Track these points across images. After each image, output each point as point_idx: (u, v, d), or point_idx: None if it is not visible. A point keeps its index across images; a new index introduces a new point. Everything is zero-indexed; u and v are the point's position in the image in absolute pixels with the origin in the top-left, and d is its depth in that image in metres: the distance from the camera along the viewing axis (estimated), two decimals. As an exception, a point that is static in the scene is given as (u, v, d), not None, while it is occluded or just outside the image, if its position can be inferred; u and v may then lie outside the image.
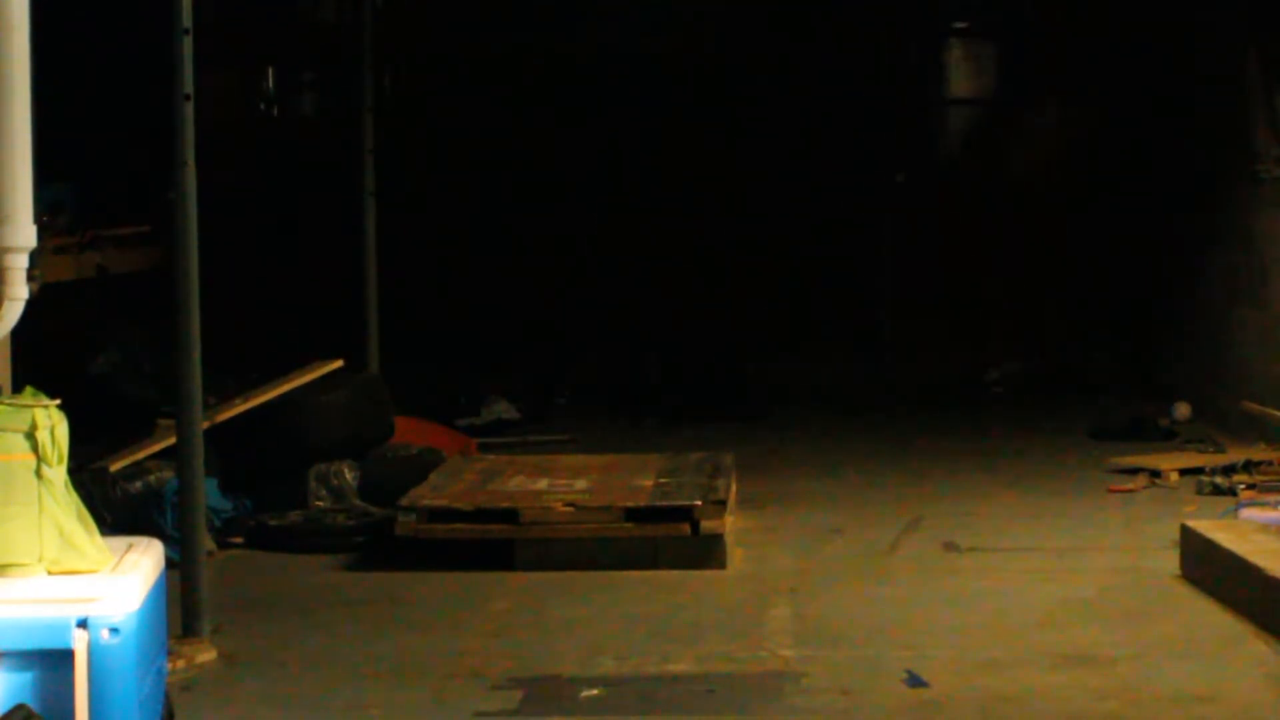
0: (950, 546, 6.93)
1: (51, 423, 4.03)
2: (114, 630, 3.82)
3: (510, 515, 6.65)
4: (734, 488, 7.15)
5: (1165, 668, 5.22)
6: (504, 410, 10.13)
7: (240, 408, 7.52)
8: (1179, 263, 10.65)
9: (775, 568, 6.61)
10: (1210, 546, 6.06)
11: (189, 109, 5.44)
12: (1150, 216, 11.07)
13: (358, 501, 7.39)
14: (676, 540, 6.57)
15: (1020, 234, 12.05)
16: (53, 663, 3.80)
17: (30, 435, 4.00)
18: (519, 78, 11.65)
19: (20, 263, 4.11)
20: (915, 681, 5.11)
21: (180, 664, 5.18)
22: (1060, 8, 11.96)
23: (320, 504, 7.38)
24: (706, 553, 6.57)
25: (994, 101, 12.43)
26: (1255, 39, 9.15)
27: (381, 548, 6.88)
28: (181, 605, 5.43)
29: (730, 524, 6.80)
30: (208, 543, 6.12)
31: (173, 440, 5.94)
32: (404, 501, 6.80)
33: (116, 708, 3.83)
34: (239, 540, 7.09)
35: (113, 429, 7.56)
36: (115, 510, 6.72)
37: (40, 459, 4.01)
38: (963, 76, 12.40)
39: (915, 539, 7.08)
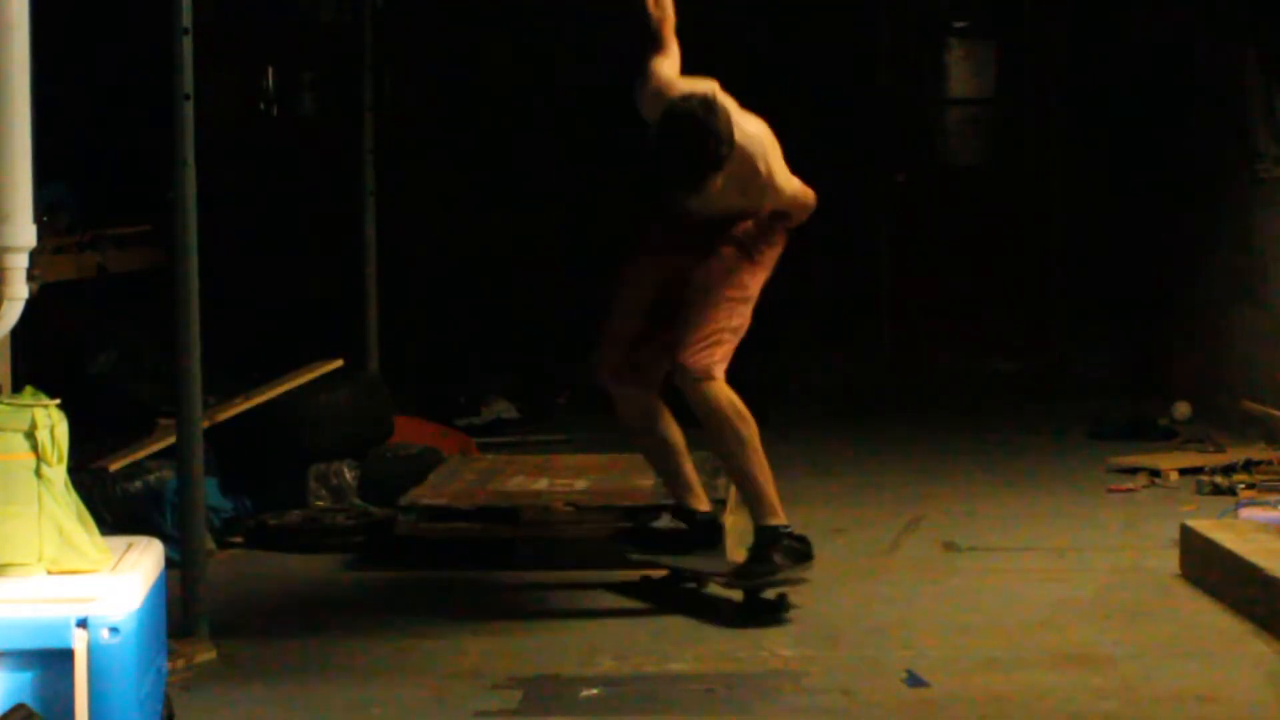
0: (950, 546, 6.93)
1: (51, 422, 4.04)
2: (114, 630, 3.83)
3: (510, 515, 6.66)
4: (734, 487, 7.14)
5: (1165, 668, 5.22)
6: (504, 410, 10.13)
7: (240, 407, 7.52)
8: (1179, 263, 10.65)
9: (775, 567, 6.60)
10: (1210, 546, 6.06)
11: (189, 109, 5.44)
12: (1150, 216, 11.07)
13: (358, 501, 7.39)
14: (676, 540, 6.56)
15: (1019, 233, 12.05)
16: (52, 662, 3.80)
17: (30, 435, 4.00)
18: (520, 76, 11.65)
19: (20, 262, 4.11)
20: (915, 681, 5.11)
21: (180, 664, 5.18)
22: (1060, 7, 11.95)
23: (320, 504, 7.38)
24: (706, 552, 6.56)
25: (994, 101, 12.43)
26: (1255, 39, 9.15)
27: (381, 547, 6.88)
28: (181, 605, 5.42)
29: (730, 524, 6.80)
30: (208, 543, 6.12)
31: (173, 440, 5.94)
32: (403, 501, 6.81)
33: (116, 707, 3.83)
34: (239, 540, 7.09)
35: (113, 429, 7.55)
36: (115, 510, 6.72)
37: (40, 459, 4.01)
38: (963, 76, 12.40)
39: (915, 539, 7.08)
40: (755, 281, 6.05)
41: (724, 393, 5.91)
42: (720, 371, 5.92)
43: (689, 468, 6.25)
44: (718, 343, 5.92)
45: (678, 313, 6.00)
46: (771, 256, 6.08)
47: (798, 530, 5.95)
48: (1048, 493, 8.00)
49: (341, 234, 9.28)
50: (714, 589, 6.09)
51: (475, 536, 6.65)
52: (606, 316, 6.25)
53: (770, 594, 5.88)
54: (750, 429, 5.91)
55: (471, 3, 11.66)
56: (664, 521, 6.28)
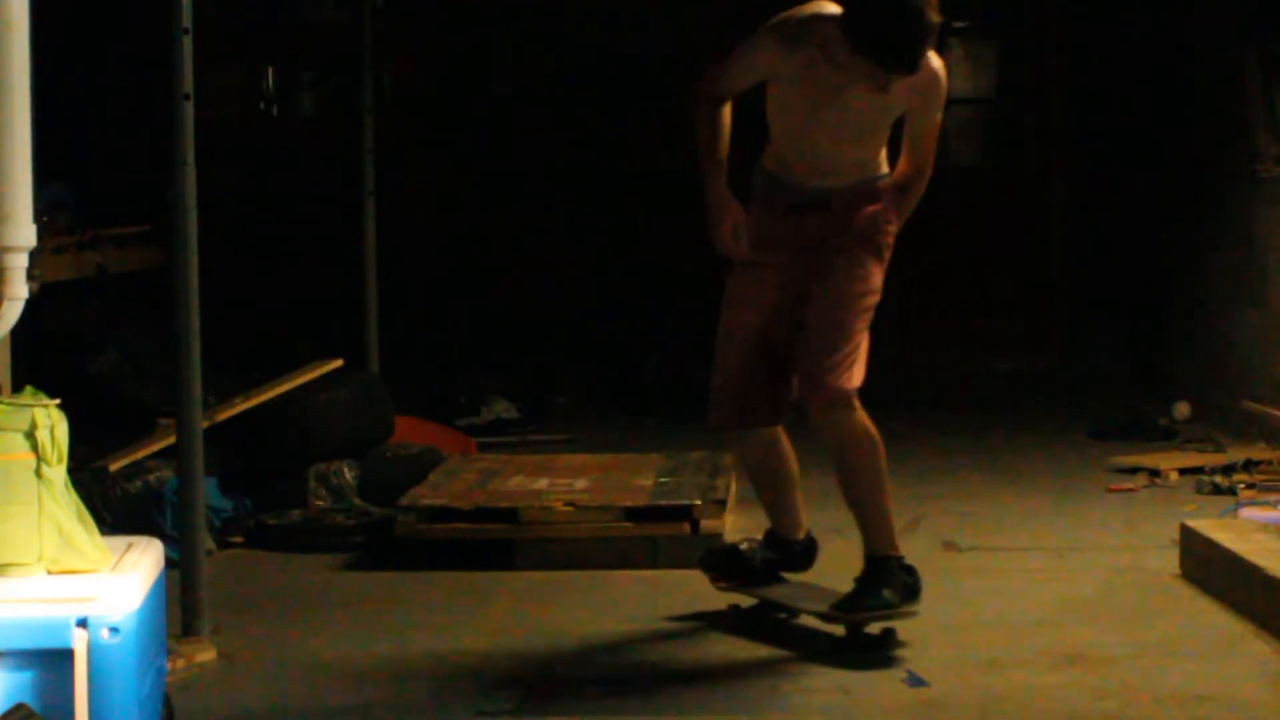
0: (950, 546, 6.93)
1: (51, 422, 4.03)
2: (114, 630, 3.82)
3: (510, 515, 6.66)
4: (734, 487, 7.15)
5: (1165, 668, 5.22)
6: (504, 410, 10.13)
7: (240, 408, 7.53)
8: (1179, 262, 10.65)
9: (775, 567, 6.60)
10: (1210, 546, 6.06)
11: (189, 109, 5.45)
12: (1150, 216, 11.07)
13: (358, 501, 7.39)
14: (676, 539, 6.57)
15: (1019, 233, 12.05)
16: (52, 662, 3.80)
17: (30, 435, 4.00)
18: (521, 77, 11.65)
19: (20, 262, 4.11)
20: (915, 681, 5.11)
21: (180, 664, 5.18)
22: (1060, 7, 11.96)
23: (320, 504, 7.38)
24: (707, 552, 6.56)
25: (994, 101, 12.44)
26: (1255, 39, 9.15)
27: (381, 547, 6.88)
28: (181, 605, 5.43)
29: (730, 523, 6.81)
30: (208, 543, 6.13)
31: (173, 440, 5.94)
32: (404, 501, 6.81)
33: (116, 707, 3.83)
34: (239, 540, 7.10)
35: (113, 429, 7.56)
36: (115, 510, 6.72)
37: (40, 459, 4.01)
38: (963, 76, 12.41)
39: (915, 538, 7.07)
40: (882, 276, 5.50)
41: (862, 421, 5.42)
42: (856, 395, 5.42)
43: (797, 497, 5.81)
44: (855, 360, 5.40)
45: (802, 331, 5.46)
46: (891, 245, 5.51)
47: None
48: (1048, 493, 8.00)
49: (341, 234, 9.29)
50: (810, 621, 5.65)
51: (475, 536, 6.65)
52: (714, 359, 5.65)
53: (874, 628, 5.43)
54: (882, 456, 5.44)
55: (471, 3, 11.66)
56: (747, 545, 5.86)
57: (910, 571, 5.47)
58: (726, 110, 5.56)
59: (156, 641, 4.19)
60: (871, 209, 5.48)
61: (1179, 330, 10.65)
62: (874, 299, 5.47)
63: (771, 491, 5.81)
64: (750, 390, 5.62)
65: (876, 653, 5.33)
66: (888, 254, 5.51)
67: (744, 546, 5.86)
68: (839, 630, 5.47)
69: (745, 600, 5.80)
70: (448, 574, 6.53)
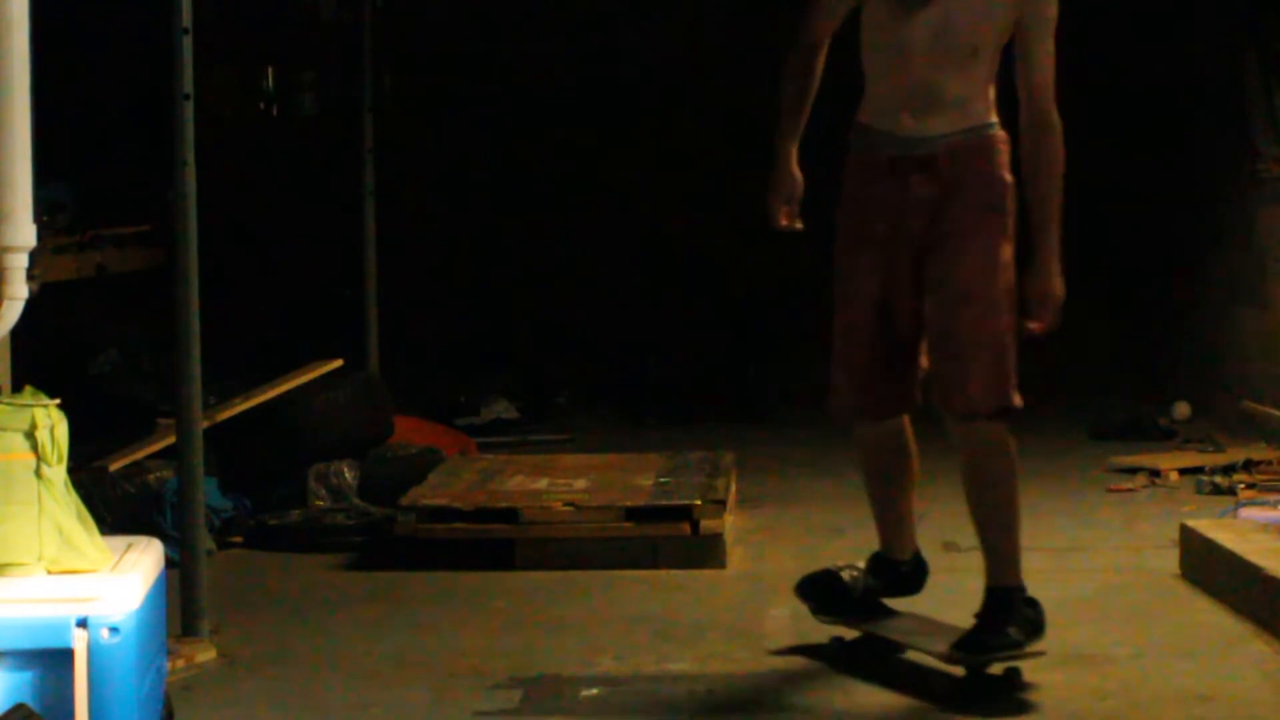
0: (950, 546, 6.92)
1: (51, 422, 4.03)
2: (114, 630, 3.82)
3: (510, 515, 6.66)
4: (734, 487, 7.15)
5: (1165, 668, 5.22)
6: (504, 410, 10.14)
7: (240, 408, 7.53)
8: (1179, 262, 10.65)
9: (775, 567, 6.60)
10: (1210, 546, 6.07)
11: (189, 109, 5.45)
12: (1150, 215, 11.06)
13: (358, 501, 7.40)
14: (676, 540, 6.58)
15: (1019, 233, 12.04)
16: (52, 662, 3.80)
17: (30, 435, 4.00)
18: (520, 78, 11.65)
19: (20, 262, 4.11)
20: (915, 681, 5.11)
21: (180, 664, 5.18)
22: (1059, 7, 11.95)
23: (320, 504, 7.38)
24: (706, 552, 6.58)
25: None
26: (1255, 39, 9.15)
27: (381, 547, 6.88)
28: (181, 605, 5.43)
29: (730, 523, 6.81)
30: (208, 543, 6.13)
31: (173, 440, 5.94)
32: (404, 501, 6.81)
33: (116, 707, 3.83)
34: (239, 540, 7.10)
35: (113, 429, 7.56)
36: (115, 510, 6.72)
37: (40, 458, 4.01)
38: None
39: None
40: (1013, 249, 4.88)
41: (1002, 434, 4.91)
42: (1014, 404, 4.85)
43: (909, 506, 5.36)
44: (1005, 360, 4.85)
45: (930, 322, 4.93)
46: (1014, 210, 4.90)
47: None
48: (1048, 493, 7.99)
49: (341, 234, 9.29)
50: (918, 656, 5.17)
51: (475, 536, 6.65)
52: (833, 341, 5.12)
53: (997, 669, 4.95)
54: (1017, 476, 4.97)
55: (472, 3, 11.66)
56: (848, 573, 5.38)
57: (1033, 604, 5.00)
58: (818, 64, 5.13)
59: (156, 641, 4.19)
60: (985, 167, 4.90)
61: (1179, 330, 10.65)
62: (1010, 276, 4.85)
63: (886, 493, 5.33)
64: (869, 379, 5.12)
65: (1004, 695, 4.91)
66: (1012, 222, 4.90)
67: (845, 575, 5.35)
68: (958, 671, 5.00)
69: (849, 633, 5.34)
70: (448, 574, 6.53)
